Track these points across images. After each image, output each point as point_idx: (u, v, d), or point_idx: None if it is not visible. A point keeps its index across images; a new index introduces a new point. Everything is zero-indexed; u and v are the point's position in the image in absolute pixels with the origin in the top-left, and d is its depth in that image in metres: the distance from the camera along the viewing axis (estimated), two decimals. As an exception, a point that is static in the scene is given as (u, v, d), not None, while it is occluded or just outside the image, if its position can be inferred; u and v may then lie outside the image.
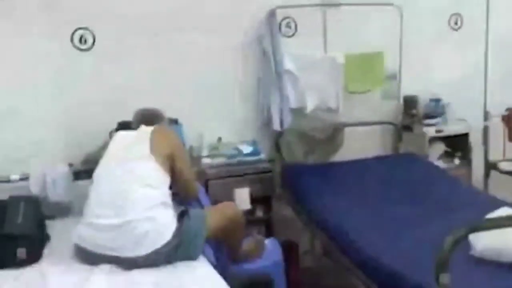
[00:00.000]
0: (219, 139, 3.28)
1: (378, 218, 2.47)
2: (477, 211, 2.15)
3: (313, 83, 3.34)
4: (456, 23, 3.83)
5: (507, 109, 3.66)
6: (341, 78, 3.38)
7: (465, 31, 3.84)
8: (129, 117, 2.59)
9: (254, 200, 3.00)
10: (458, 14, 3.82)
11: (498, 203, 2.38)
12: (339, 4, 3.42)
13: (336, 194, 2.84)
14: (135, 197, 2.05)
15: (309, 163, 3.38)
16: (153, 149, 2.19)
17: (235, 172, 3.07)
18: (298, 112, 3.38)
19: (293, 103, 3.35)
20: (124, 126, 2.61)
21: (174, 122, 2.92)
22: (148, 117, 2.49)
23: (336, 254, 2.45)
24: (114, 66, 3.06)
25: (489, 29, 3.85)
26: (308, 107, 3.36)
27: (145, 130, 2.33)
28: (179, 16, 3.17)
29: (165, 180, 2.18)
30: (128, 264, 1.98)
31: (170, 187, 2.21)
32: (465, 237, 1.54)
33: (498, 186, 3.61)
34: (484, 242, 1.87)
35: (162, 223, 2.02)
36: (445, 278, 1.41)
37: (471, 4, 3.81)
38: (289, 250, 2.99)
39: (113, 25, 3.04)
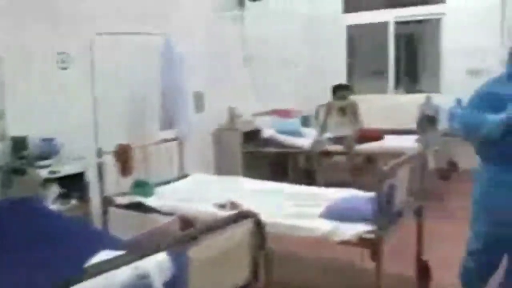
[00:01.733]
0: None
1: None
2: (85, 255, 2.10)
3: None
4: (63, 62, 3.81)
5: (118, 145, 3.86)
6: None
7: (74, 70, 3.87)
8: None
9: None
10: (65, 53, 3.80)
11: (109, 242, 2.40)
12: None
13: None
14: None
15: None
16: None
17: None
18: None
19: None
20: None
21: None
22: None
23: None
24: None
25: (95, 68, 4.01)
26: None
27: None
28: None
29: None
30: None
31: None
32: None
33: (117, 221, 3.75)
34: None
35: None
36: None
37: (78, 44, 3.88)
38: None
39: None
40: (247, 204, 3.23)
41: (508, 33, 6.33)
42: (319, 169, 5.55)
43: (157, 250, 1.75)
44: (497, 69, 6.08)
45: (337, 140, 5.53)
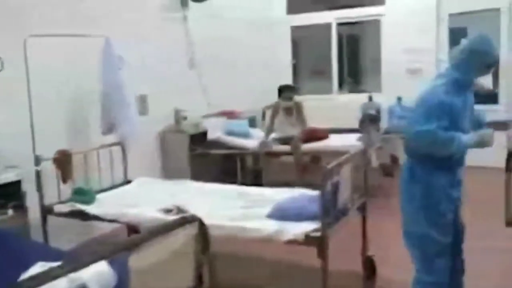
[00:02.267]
0: None
1: None
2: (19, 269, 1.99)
3: None
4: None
5: (57, 152, 3.71)
6: None
7: (6, 73, 3.67)
8: None
9: None
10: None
11: (47, 254, 2.29)
12: None
13: None
14: None
15: None
16: None
17: None
18: None
19: None
20: None
21: None
22: None
23: None
24: None
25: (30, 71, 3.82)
26: None
27: None
28: None
29: None
30: None
31: None
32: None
33: (58, 231, 3.60)
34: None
35: None
36: None
37: (12, 45, 3.68)
38: None
39: None
40: (194, 208, 3.19)
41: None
42: (266, 169, 5.58)
43: (95, 259, 1.68)
44: (433, 69, 6.40)
45: (283, 140, 5.58)
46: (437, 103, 2.44)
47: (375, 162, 5.36)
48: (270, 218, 3.01)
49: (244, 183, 4.92)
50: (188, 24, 5.82)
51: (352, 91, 8.12)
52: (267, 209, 3.10)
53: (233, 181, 5.79)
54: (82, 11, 4.33)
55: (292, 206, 3.00)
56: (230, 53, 6.67)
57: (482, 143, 2.49)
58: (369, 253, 3.44)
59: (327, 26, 7.50)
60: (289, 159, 5.67)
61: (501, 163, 3.02)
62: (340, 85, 7.93)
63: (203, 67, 6.07)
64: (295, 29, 7.89)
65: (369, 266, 3.41)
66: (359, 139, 5.23)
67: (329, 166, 2.74)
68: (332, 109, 7.24)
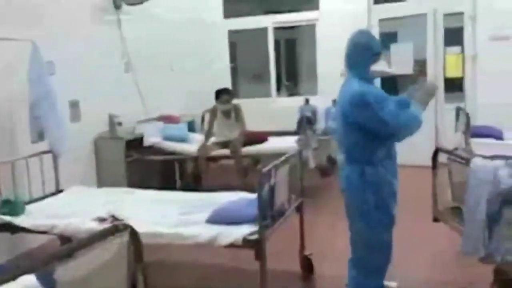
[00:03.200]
0: None
1: None
2: None
3: None
4: None
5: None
6: None
7: None
8: None
9: None
10: None
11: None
12: None
13: None
14: None
15: None
16: None
17: None
18: None
19: None
20: None
21: None
22: None
23: None
24: None
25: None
26: None
27: None
28: None
29: None
30: None
31: None
32: None
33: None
34: None
35: None
36: None
37: None
38: None
39: None
40: (130, 216, 3.12)
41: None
42: (206, 174, 5.55)
43: (21, 273, 1.59)
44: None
45: (223, 144, 5.57)
46: (373, 93, 2.54)
47: (312, 163, 5.47)
48: (209, 223, 2.99)
49: (184, 189, 4.87)
50: (122, 27, 5.69)
51: (290, 94, 8.27)
52: (206, 214, 3.07)
53: (172, 187, 5.74)
54: (9, 14, 4.11)
55: (230, 210, 3.00)
56: (167, 56, 6.58)
57: (427, 95, 2.64)
58: (307, 252, 3.50)
59: (265, 30, 7.58)
60: (230, 162, 5.67)
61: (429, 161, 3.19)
62: (279, 88, 8.05)
63: (140, 71, 5.95)
64: (234, 33, 7.92)
65: (307, 265, 3.48)
66: (297, 141, 5.32)
67: (265, 169, 2.77)
68: (271, 112, 7.33)
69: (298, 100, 7.25)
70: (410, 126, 2.54)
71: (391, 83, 7.86)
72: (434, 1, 6.60)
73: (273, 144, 5.58)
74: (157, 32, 6.33)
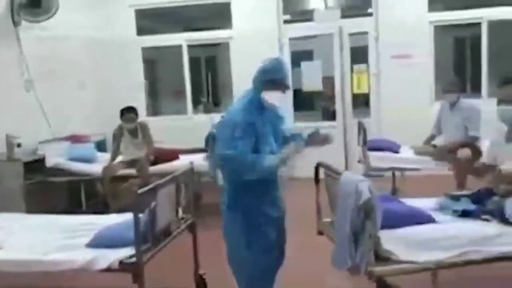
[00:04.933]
0: None
1: None
2: None
3: None
4: None
5: None
6: None
7: None
8: None
9: None
10: None
11: None
12: None
13: None
14: None
15: None
16: None
17: None
18: None
19: None
20: None
21: None
22: None
23: None
24: None
25: None
26: None
27: None
28: None
29: None
30: None
31: None
32: None
33: None
34: None
35: None
36: None
37: None
38: None
39: None
40: (12, 244, 3.01)
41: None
42: (112, 195, 5.40)
43: None
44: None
45: (130, 163, 5.46)
46: (238, 123, 2.57)
47: (220, 180, 5.46)
48: (89, 247, 2.90)
49: (91, 211, 4.70)
50: (22, 44, 5.47)
51: (207, 111, 8.27)
52: (89, 238, 2.98)
53: (78, 210, 5.53)
54: None
55: (109, 233, 2.93)
56: (76, 74, 6.40)
57: (287, 158, 2.68)
58: (201, 271, 3.48)
59: (179, 48, 7.56)
60: (139, 182, 5.55)
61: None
62: (196, 105, 8.03)
63: (45, 89, 5.74)
64: (154, 50, 7.83)
65: (201, 284, 3.45)
66: (205, 158, 5.31)
67: (140, 191, 2.73)
68: (187, 129, 7.26)
69: (215, 117, 7.24)
70: (247, 169, 2.53)
71: (302, 99, 8.11)
72: (340, 21, 6.89)
73: (182, 162, 5.52)
74: (64, 50, 6.15)
